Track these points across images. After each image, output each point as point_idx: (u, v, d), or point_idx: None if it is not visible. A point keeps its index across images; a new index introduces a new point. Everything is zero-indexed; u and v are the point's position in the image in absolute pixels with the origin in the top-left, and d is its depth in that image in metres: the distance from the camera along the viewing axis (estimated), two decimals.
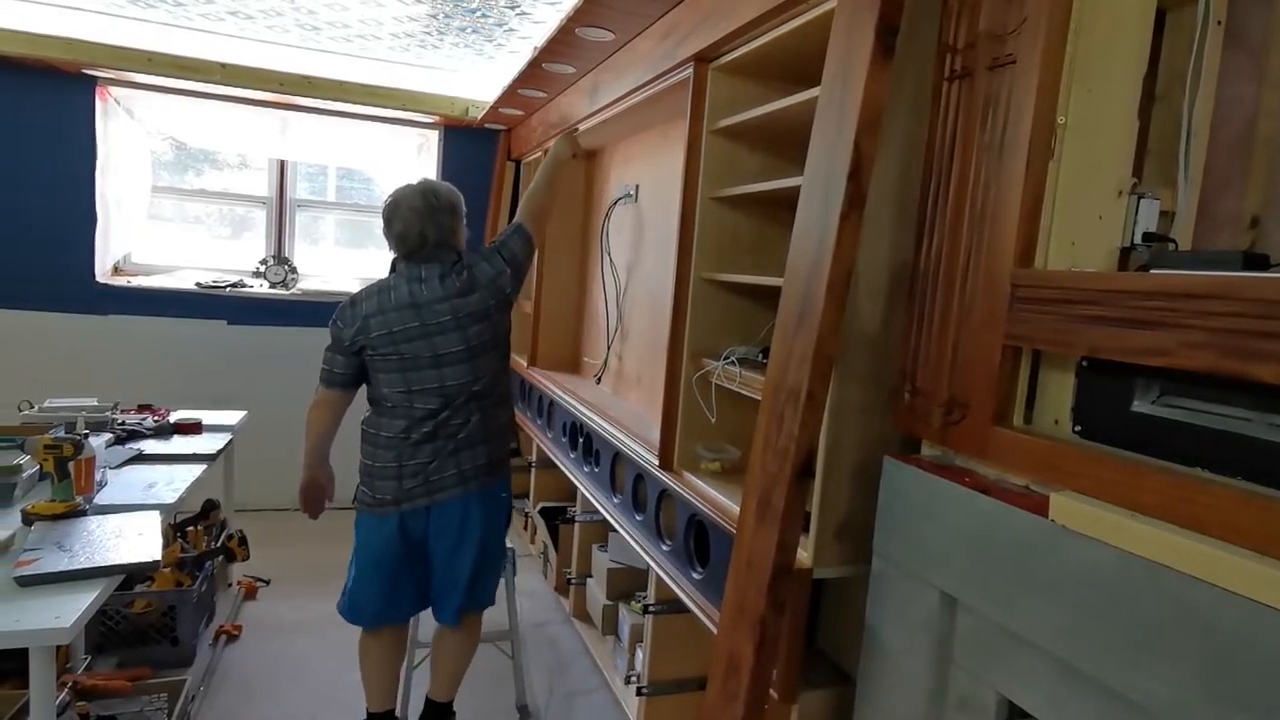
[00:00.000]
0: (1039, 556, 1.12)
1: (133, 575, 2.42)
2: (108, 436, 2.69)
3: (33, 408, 2.76)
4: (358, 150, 4.38)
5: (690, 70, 2.10)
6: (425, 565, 2.12)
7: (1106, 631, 1.02)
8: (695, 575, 1.91)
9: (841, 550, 1.57)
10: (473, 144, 4.36)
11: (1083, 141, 1.24)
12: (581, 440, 2.87)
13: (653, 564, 2.17)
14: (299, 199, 4.48)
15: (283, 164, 4.40)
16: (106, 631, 2.55)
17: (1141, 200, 1.29)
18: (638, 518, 2.31)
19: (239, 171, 4.55)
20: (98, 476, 2.19)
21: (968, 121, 1.33)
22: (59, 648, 2.07)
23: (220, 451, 2.79)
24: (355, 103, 4.01)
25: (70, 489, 2.03)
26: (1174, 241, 1.35)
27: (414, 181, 2.12)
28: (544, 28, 2.83)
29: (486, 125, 4.20)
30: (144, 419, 2.95)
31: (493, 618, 2.29)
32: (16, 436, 2.38)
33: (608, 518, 2.57)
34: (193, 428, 2.95)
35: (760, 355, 1.97)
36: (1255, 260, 1.02)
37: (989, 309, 1.26)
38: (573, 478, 2.99)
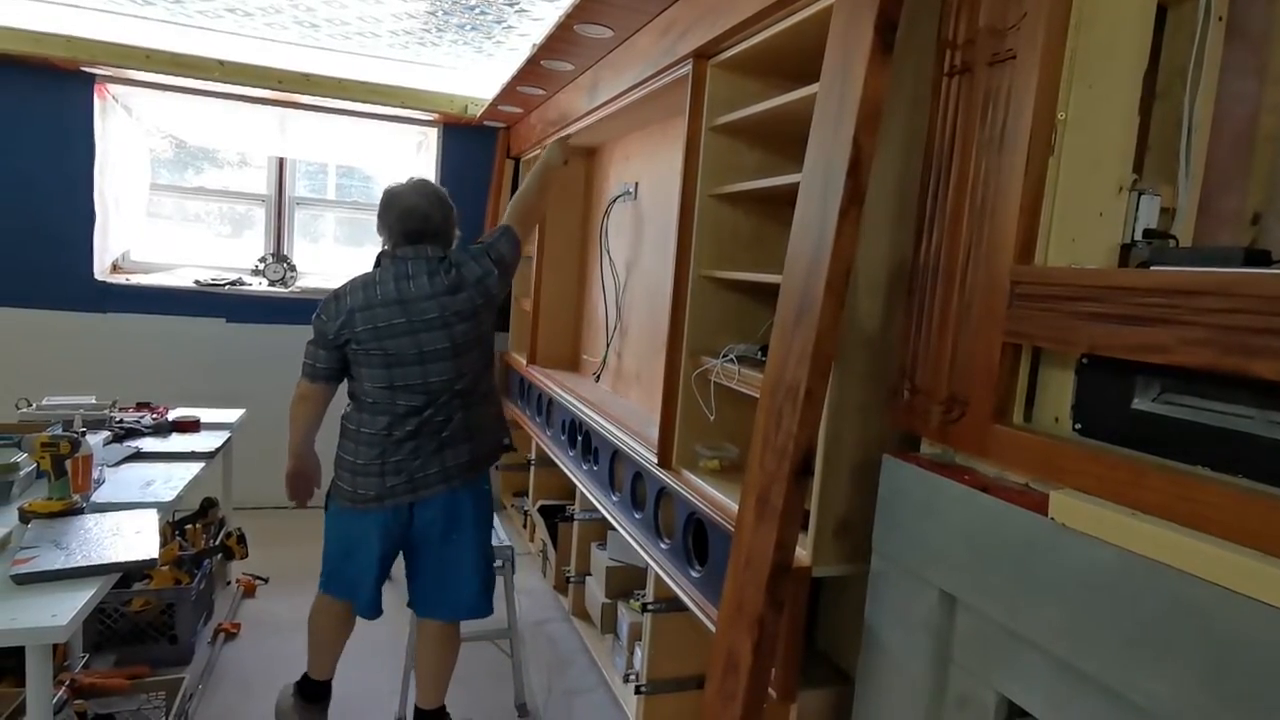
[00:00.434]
0: (1039, 555, 1.12)
1: (130, 573, 2.42)
2: (106, 434, 2.68)
3: (30, 405, 2.75)
4: (357, 148, 4.37)
5: (689, 67, 2.10)
6: (406, 558, 2.14)
7: (1106, 630, 1.01)
8: (694, 573, 1.91)
9: (840, 549, 1.56)
10: (472, 141, 4.35)
11: (1083, 137, 1.23)
12: (580, 438, 2.86)
13: (651, 562, 2.17)
14: (298, 197, 4.48)
15: (282, 162, 4.39)
16: (104, 629, 2.54)
17: (1142, 197, 1.29)
18: (636, 516, 2.31)
19: (238, 169, 4.54)
20: (95, 474, 2.19)
21: (967, 117, 1.32)
22: (56, 646, 2.07)
23: (218, 449, 2.78)
24: (354, 100, 4.00)
25: (67, 487, 2.02)
26: (1175, 238, 1.34)
27: (405, 180, 2.13)
28: (543, 24, 2.83)
29: (486, 123, 4.19)
30: (142, 417, 2.94)
31: (492, 616, 2.28)
32: (14, 434, 2.37)
33: (607, 516, 2.57)
34: (191, 425, 2.95)
35: (759, 353, 1.96)
36: (1256, 257, 1.01)
37: (988, 306, 1.26)
38: (571, 476, 2.99)
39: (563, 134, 3.19)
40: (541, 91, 3.36)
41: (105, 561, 1.73)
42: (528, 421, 3.71)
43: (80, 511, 2.00)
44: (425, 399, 2.03)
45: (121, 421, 2.84)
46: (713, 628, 1.69)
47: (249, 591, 3.17)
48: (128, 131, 3.98)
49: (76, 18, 3.30)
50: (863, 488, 1.52)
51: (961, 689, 1.28)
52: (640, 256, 3.02)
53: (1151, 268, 1.13)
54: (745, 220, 2.14)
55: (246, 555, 2.97)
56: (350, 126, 4.27)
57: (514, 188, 4.34)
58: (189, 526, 3.07)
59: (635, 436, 2.40)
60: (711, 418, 2.06)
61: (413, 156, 4.43)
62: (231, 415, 3.16)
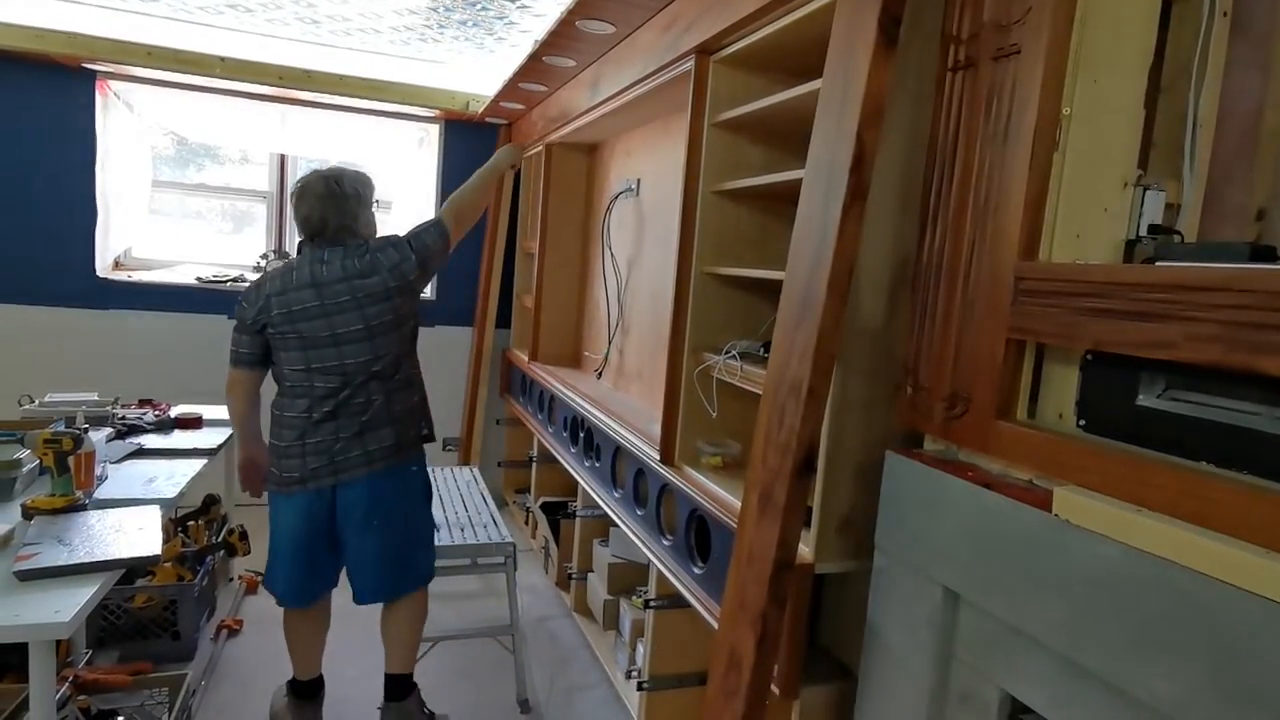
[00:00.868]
0: (1042, 552, 1.11)
1: (133, 570, 2.42)
2: (108, 431, 2.69)
3: (33, 402, 2.75)
4: (358, 144, 4.36)
5: (692, 63, 2.09)
6: (337, 544, 2.14)
7: (1111, 627, 1.01)
8: (696, 570, 1.91)
9: (843, 545, 1.56)
10: (473, 138, 4.34)
11: (1088, 133, 1.22)
12: (583, 435, 2.86)
13: (653, 559, 2.17)
14: None
15: (283, 158, 4.39)
16: (107, 626, 2.55)
17: (1147, 192, 1.28)
18: (639, 512, 2.30)
19: (240, 166, 4.54)
20: (98, 471, 2.19)
21: (971, 113, 1.32)
22: (59, 642, 2.07)
23: (221, 446, 2.79)
24: (355, 97, 3.99)
25: (70, 483, 2.03)
26: (1180, 234, 1.34)
27: (324, 169, 2.15)
28: (544, 20, 2.82)
29: (487, 119, 4.19)
30: (144, 413, 2.94)
31: (494, 613, 2.29)
32: (16, 431, 2.37)
33: (609, 513, 2.57)
34: (193, 422, 2.95)
35: (762, 349, 1.96)
36: (1262, 252, 1.01)
37: (992, 302, 1.25)
38: (574, 472, 2.99)
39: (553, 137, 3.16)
40: (543, 88, 3.35)
41: (108, 558, 1.74)
42: (529, 418, 3.71)
43: (83, 508, 2.01)
44: (342, 380, 2.06)
45: (124, 418, 2.84)
46: (715, 624, 1.69)
47: (251, 588, 3.17)
48: (129, 128, 3.98)
49: (78, 14, 3.30)
50: (865, 484, 1.52)
51: (964, 685, 1.28)
52: (642, 253, 3.02)
53: (1157, 263, 1.12)
54: (748, 217, 2.13)
55: (249, 552, 2.96)
56: (351, 123, 4.26)
57: (514, 186, 4.34)
58: (191, 523, 3.08)
59: (637, 433, 2.40)
60: (714, 414, 2.05)
61: (414, 153, 4.43)
62: None
